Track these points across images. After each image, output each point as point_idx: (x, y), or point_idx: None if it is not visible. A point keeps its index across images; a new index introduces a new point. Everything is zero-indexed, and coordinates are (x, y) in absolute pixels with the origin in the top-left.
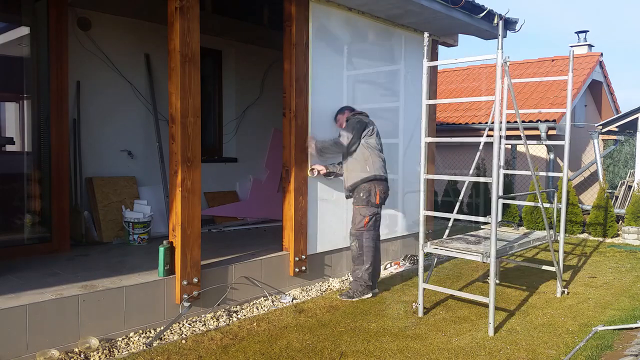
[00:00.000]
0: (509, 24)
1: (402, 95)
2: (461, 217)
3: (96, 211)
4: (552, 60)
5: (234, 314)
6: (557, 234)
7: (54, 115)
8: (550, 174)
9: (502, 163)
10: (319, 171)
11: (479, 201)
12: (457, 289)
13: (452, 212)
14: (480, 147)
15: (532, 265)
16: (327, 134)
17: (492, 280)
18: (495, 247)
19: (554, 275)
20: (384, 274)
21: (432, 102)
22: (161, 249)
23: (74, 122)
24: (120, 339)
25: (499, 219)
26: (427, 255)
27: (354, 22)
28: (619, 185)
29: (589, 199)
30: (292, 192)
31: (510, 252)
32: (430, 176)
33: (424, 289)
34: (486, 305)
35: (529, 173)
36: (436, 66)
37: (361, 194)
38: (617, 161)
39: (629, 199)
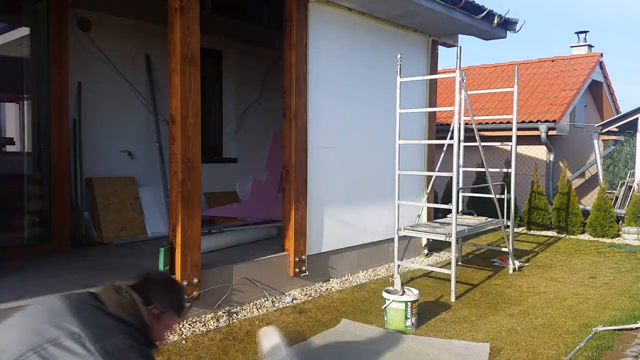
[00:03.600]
0: (509, 24)
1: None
2: (430, 205)
3: (96, 212)
4: (552, 61)
5: (234, 315)
6: (508, 220)
7: (54, 116)
8: (511, 170)
9: (461, 162)
10: None
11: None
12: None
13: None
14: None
15: (492, 248)
16: (325, 134)
17: (453, 255)
18: (456, 229)
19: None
20: (384, 273)
21: (404, 111)
22: (161, 250)
23: (75, 123)
24: None
25: (461, 208)
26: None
27: (354, 22)
28: (619, 185)
29: (591, 202)
30: (292, 192)
31: (468, 234)
32: (402, 172)
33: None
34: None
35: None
36: (436, 67)
37: None
38: (617, 161)
39: (629, 200)
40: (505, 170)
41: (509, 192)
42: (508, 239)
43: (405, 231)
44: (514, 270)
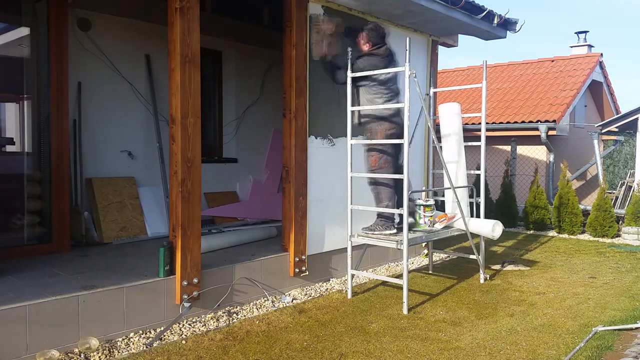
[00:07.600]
0: (509, 24)
1: (402, 96)
2: (381, 210)
3: (96, 212)
4: (552, 61)
5: (234, 315)
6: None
7: (54, 116)
8: (475, 171)
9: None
10: None
11: (479, 200)
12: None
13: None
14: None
15: (463, 255)
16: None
17: (405, 263)
18: (408, 237)
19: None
20: (384, 273)
21: (355, 108)
22: (161, 250)
23: (75, 123)
24: (120, 339)
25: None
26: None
27: (354, 22)
28: (619, 185)
29: (591, 203)
30: (292, 192)
31: (425, 240)
32: (355, 174)
33: (353, 274)
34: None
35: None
36: (436, 67)
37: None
38: (617, 161)
39: (629, 200)
40: (476, 172)
41: (478, 195)
42: (477, 248)
43: (360, 238)
44: (485, 280)
